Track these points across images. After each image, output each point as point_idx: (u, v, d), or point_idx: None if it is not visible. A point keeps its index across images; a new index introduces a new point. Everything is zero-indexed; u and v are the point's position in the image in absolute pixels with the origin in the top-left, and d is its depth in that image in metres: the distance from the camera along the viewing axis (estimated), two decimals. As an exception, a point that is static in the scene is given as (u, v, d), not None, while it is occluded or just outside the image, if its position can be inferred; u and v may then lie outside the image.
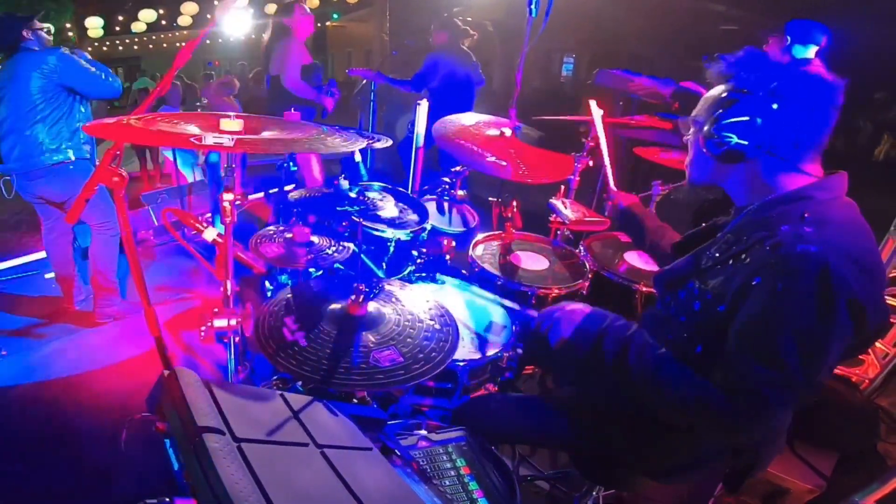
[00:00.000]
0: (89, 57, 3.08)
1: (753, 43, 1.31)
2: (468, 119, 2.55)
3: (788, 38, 3.08)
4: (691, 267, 1.37)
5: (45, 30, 3.00)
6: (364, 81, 5.25)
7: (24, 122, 2.87)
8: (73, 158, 2.97)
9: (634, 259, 2.47)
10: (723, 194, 1.39)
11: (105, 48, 19.35)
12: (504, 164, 2.17)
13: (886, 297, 1.36)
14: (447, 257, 2.44)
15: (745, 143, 1.20)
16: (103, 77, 3.01)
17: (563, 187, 2.52)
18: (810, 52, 3.08)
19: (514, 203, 2.45)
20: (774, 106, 1.17)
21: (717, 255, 1.30)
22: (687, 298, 1.33)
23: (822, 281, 1.06)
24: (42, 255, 4.26)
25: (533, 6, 2.33)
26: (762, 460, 1.44)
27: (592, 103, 2.18)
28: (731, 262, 1.25)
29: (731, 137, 1.21)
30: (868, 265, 1.13)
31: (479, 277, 2.29)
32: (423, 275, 2.29)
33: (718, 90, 1.27)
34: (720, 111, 1.23)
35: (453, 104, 3.98)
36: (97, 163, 2.96)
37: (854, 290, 1.07)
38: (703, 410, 1.20)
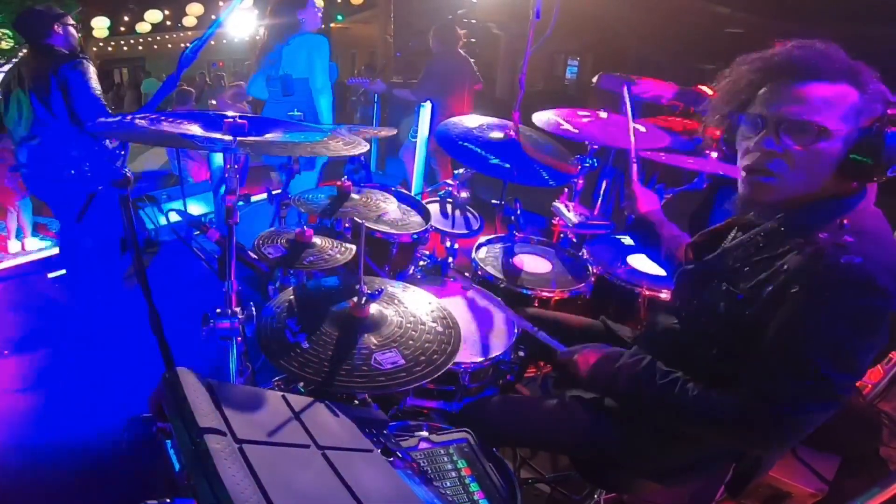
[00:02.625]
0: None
1: (760, 48, 1.27)
2: (471, 121, 2.55)
3: None
4: (718, 266, 1.34)
5: (76, 27, 2.99)
6: (356, 72, 5.26)
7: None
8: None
9: (637, 262, 2.47)
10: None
11: (110, 48, 19.40)
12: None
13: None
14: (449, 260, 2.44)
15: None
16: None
17: (566, 190, 2.52)
18: None
19: (518, 205, 2.45)
20: None
21: (748, 255, 1.27)
22: (712, 298, 1.30)
23: (867, 295, 1.05)
24: (43, 255, 4.29)
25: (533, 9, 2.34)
26: (764, 464, 1.43)
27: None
28: (764, 264, 1.22)
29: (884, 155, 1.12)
30: None
31: (481, 280, 2.29)
32: (427, 276, 2.29)
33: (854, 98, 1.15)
34: (878, 124, 1.12)
35: (453, 108, 4.00)
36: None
37: (894, 304, 1.06)
38: (721, 427, 1.20)
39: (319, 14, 3.90)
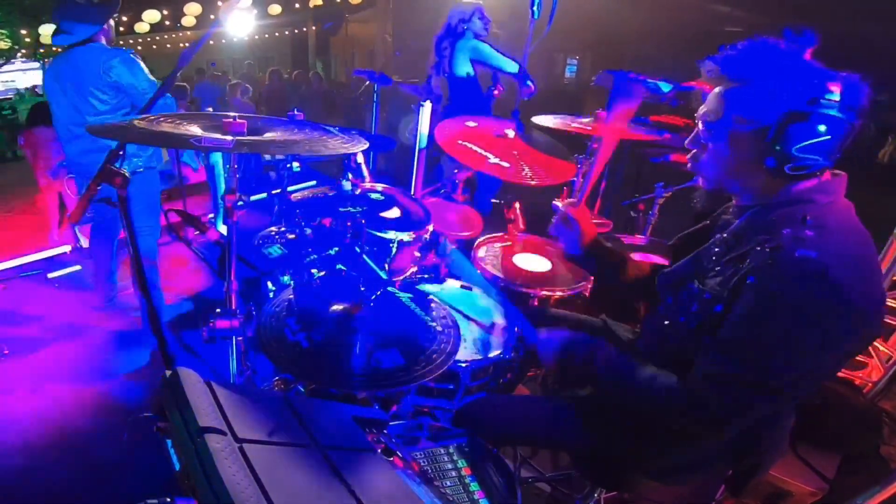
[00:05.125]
0: None
1: None
2: (471, 121, 2.55)
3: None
4: (692, 267, 1.38)
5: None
6: (367, 83, 5.25)
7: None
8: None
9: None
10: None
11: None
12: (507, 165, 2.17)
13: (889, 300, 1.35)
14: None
15: (818, 158, 1.13)
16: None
17: (566, 189, 2.52)
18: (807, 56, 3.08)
19: (517, 205, 2.45)
20: (840, 116, 1.11)
21: (719, 256, 1.30)
22: (687, 299, 1.33)
23: (820, 288, 1.06)
24: (44, 254, 4.28)
25: (535, 8, 2.33)
26: (765, 463, 1.43)
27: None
28: (730, 263, 1.24)
29: (806, 154, 1.13)
30: (866, 271, 1.13)
31: (481, 279, 2.29)
32: (426, 276, 2.29)
33: (775, 100, 1.15)
34: (793, 125, 1.12)
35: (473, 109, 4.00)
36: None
37: (851, 298, 1.06)
38: (668, 409, 1.25)
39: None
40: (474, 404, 1.73)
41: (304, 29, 20.10)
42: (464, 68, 3.96)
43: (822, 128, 1.11)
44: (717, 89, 1.25)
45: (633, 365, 1.34)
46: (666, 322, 1.41)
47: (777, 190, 1.22)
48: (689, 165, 1.37)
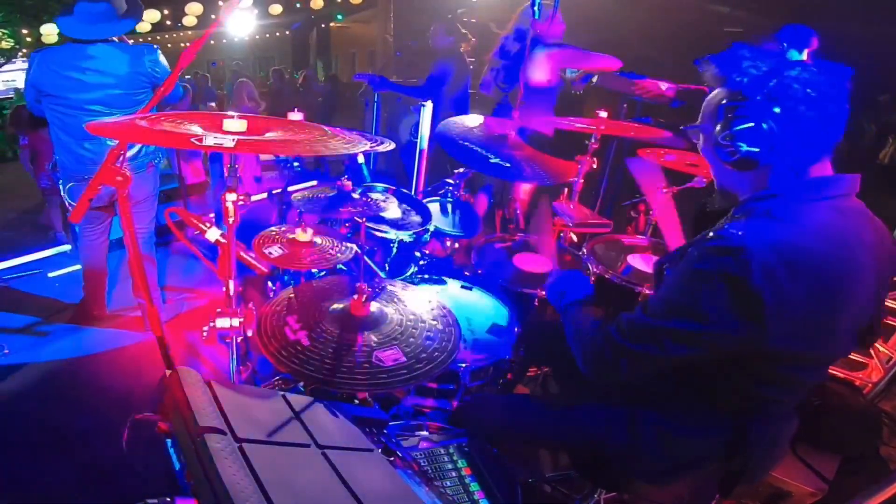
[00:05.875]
0: None
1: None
2: (472, 121, 2.55)
3: (784, 44, 3.07)
4: (675, 258, 1.37)
5: None
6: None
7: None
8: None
9: (637, 262, 2.47)
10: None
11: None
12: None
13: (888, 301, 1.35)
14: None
15: (756, 149, 1.15)
16: None
17: (566, 189, 2.52)
18: (804, 56, 3.08)
19: (517, 205, 2.46)
20: (776, 109, 1.12)
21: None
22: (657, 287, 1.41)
23: (724, 260, 1.08)
24: (44, 254, 4.28)
25: (536, 8, 2.34)
26: (756, 465, 1.42)
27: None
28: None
29: (741, 145, 1.16)
30: (812, 270, 1.08)
31: (481, 279, 2.29)
32: (426, 276, 2.29)
33: (718, 95, 1.23)
34: (725, 118, 1.18)
35: (456, 109, 3.98)
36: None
37: (756, 284, 1.05)
38: (576, 348, 1.37)
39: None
40: (473, 403, 1.73)
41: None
42: (542, 73, 3.73)
43: (750, 116, 1.14)
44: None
45: (585, 313, 1.44)
46: None
47: (759, 188, 1.23)
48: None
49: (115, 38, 2.73)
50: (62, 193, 2.87)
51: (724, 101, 1.19)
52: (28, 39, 13.31)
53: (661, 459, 1.42)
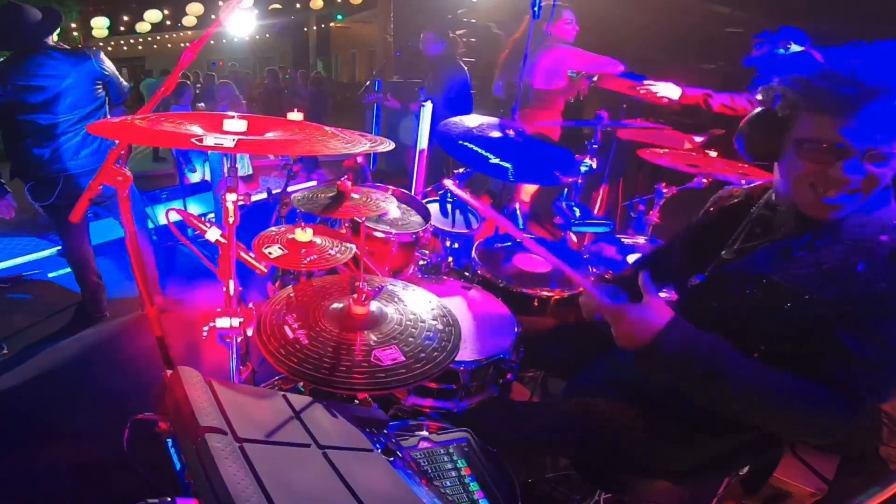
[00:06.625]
0: None
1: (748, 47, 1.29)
2: (472, 121, 2.56)
3: (792, 43, 3.08)
4: (755, 268, 1.32)
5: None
6: (368, 83, 5.26)
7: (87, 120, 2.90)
8: None
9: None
10: None
11: (110, 48, 19.42)
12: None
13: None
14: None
15: None
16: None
17: (566, 189, 2.53)
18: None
19: (517, 205, 2.46)
20: None
21: (803, 253, 1.26)
22: (766, 298, 1.27)
23: None
24: (44, 254, 4.28)
25: (536, 8, 2.34)
26: (779, 460, 1.44)
27: None
28: (829, 264, 1.21)
29: None
30: None
31: (480, 279, 2.29)
32: (426, 276, 2.29)
33: None
34: None
35: (458, 111, 3.99)
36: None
37: None
38: (824, 416, 1.18)
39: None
40: (477, 410, 1.73)
41: (305, 29, 20.13)
42: (553, 77, 3.75)
43: None
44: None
45: (767, 370, 1.20)
46: (709, 323, 1.31)
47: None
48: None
49: None
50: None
51: None
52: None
53: (690, 460, 1.43)
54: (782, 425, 1.24)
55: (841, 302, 1.17)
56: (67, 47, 2.90)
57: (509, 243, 2.55)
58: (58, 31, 2.92)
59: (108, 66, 2.98)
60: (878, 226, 1.18)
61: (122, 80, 3.11)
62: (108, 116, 3.04)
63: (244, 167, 6.20)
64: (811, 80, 1.17)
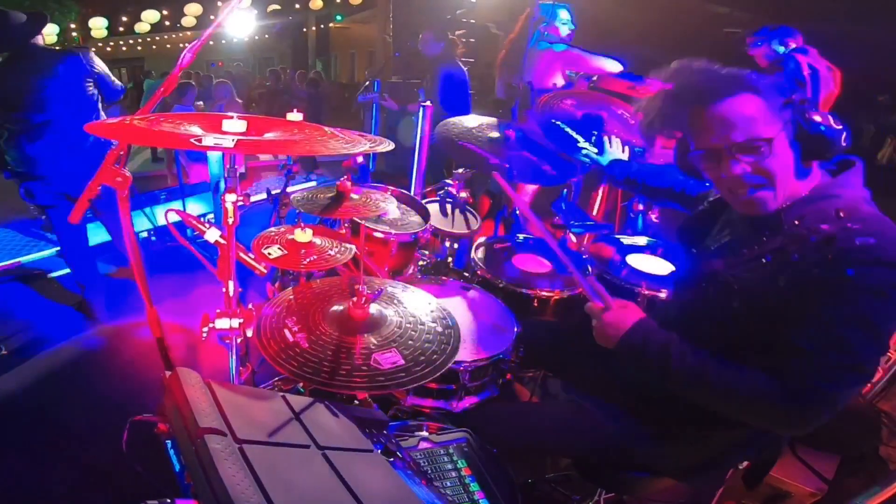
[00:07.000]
0: None
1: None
2: (471, 121, 2.55)
3: (793, 42, 3.09)
4: (719, 263, 1.36)
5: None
6: (367, 83, 5.26)
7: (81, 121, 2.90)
8: None
9: (637, 262, 2.47)
10: None
11: (109, 48, 19.42)
12: None
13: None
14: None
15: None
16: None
17: (565, 190, 2.52)
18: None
19: (517, 205, 2.45)
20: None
21: (748, 250, 1.30)
22: (717, 294, 1.33)
23: (883, 270, 1.10)
24: (44, 254, 4.28)
25: (534, 8, 2.33)
26: (778, 455, 1.45)
27: None
28: (768, 258, 1.25)
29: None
30: None
31: (480, 279, 2.29)
32: (426, 276, 2.29)
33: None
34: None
35: (457, 111, 3.99)
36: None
37: None
38: (761, 405, 1.20)
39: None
40: (477, 412, 1.73)
41: (304, 29, 20.13)
42: (550, 77, 3.70)
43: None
44: None
45: (712, 361, 1.26)
46: (686, 318, 1.41)
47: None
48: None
49: None
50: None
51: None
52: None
53: (694, 457, 1.44)
54: (729, 411, 1.28)
55: (781, 291, 1.20)
56: (56, 48, 2.93)
57: (509, 243, 2.55)
58: (57, 31, 2.94)
59: (98, 63, 3.01)
60: (820, 216, 1.20)
61: (114, 78, 3.14)
62: (103, 116, 3.04)
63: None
64: (663, 108, 1.35)
